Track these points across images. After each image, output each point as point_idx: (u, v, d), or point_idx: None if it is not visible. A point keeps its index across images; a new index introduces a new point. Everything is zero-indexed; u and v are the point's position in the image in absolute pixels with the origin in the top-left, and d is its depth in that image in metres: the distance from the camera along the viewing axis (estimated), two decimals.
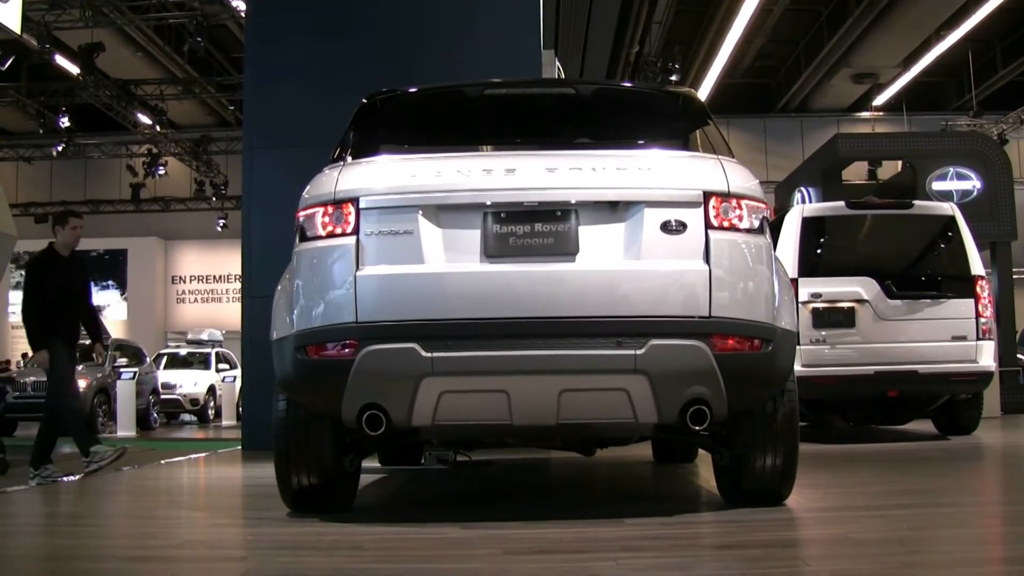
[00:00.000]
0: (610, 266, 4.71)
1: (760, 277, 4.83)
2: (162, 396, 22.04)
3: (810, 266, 10.45)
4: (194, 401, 23.57)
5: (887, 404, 10.75)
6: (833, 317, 10.25)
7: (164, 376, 23.03)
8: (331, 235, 4.82)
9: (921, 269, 10.80)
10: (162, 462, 9.89)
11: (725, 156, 5.05)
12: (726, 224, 4.75)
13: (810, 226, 10.72)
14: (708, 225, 4.73)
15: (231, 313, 29.63)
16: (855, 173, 25.06)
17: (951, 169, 18.38)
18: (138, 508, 6.78)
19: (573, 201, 4.75)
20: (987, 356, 10.30)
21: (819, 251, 10.77)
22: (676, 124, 5.70)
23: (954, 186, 18.21)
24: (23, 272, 9.40)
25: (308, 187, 5.06)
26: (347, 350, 4.66)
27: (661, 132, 5.62)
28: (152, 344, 28.32)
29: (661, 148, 5.28)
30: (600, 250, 4.72)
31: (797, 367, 5.38)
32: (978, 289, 10.42)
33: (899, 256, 11.01)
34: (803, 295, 10.16)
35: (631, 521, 4.97)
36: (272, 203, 10.43)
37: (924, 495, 6.22)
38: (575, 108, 5.76)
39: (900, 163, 22.21)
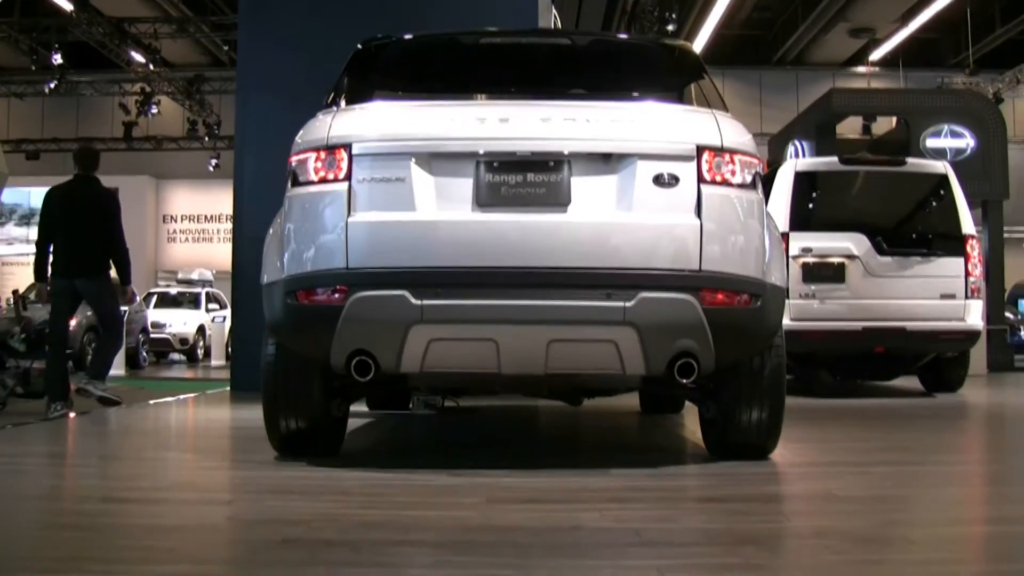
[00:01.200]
0: (601, 218, 4.69)
1: (751, 232, 4.82)
2: (152, 335, 21.93)
3: (802, 220, 10.47)
4: (184, 341, 23.62)
5: (874, 360, 10.80)
6: (823, 272, 10.28)
7: (154, 315, 23.00)
8: (323, 180, 4.80)
9: (912, 227, 10.82)
10: (151, 402, 9.89)
11: (719, 110, 5.04)
12: (719, 179, 4.74)
13: (803, 180, 10.73)
14: (700, 179, 4.72)
15: (222, 253, 29.51)
16: (849, 128, 24.99)
17: (945, 127, 18.37)
18: (126, 449, 6.80)
19: (566, 152, 4.73)
20: (975, 315, 10.36)
21: (811, 206, 10.78)
22: (671, 77, 5.70)
23: (948, 144, 18.21)
24: (106, 203, 9.12)
25: (301, 132, 5.03)
26: (337, 296, 4.65)
27: (656, 85, 5.61)
28: (142, 283, 28.20)
29: (655, 101, 5.29)
30: (592, 202, 4.71)
31: (785, 321, 5.39)
32: (968, 248, 10.46)
33: (891, 213, 11.03)
34: (794, 249, 10.19)
35: (617, 472, 5.01)
36: (265, 145, 10.34)
37: (908, 452, 6.26)
38: (570, 59, 5.74)
39: (895, 119, 22.15)
